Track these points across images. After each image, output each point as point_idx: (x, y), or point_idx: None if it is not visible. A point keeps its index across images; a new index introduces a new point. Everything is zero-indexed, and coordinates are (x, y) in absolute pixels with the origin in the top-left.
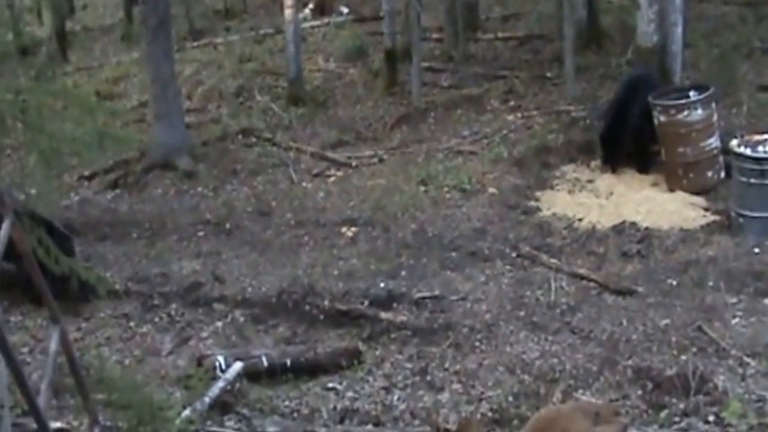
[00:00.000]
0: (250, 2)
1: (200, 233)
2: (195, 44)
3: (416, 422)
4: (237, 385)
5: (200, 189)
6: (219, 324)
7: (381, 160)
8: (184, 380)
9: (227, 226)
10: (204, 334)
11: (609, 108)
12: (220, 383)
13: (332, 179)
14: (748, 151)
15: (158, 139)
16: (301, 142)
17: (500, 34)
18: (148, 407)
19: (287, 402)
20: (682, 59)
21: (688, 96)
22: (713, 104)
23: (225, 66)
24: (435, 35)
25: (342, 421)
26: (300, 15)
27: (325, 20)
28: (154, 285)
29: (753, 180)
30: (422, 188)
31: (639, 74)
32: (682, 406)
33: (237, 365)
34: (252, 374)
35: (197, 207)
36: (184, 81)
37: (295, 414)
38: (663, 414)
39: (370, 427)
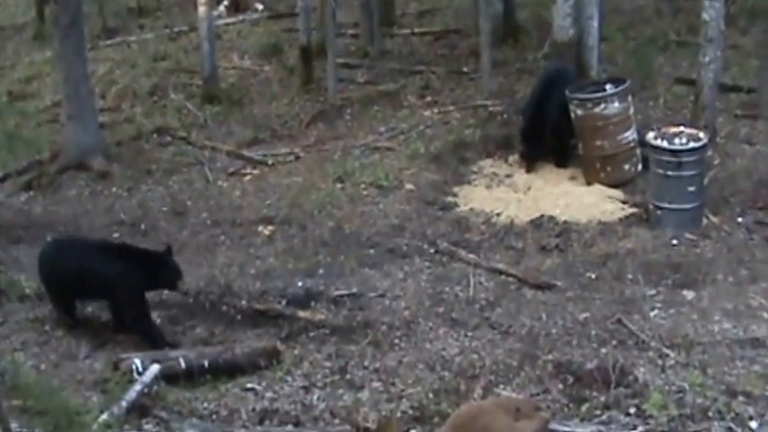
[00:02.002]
0: None
1: (116, 234)
2: (108, 43)
3: (336, 421)
4: (155, 388)
5: (114, 190)
6: None
7: (297, 158)
8: (101, 384)
9: (143, 227)
10: (121, 337)
11: (527, 103)
12: (137, 387)
13: (248, 178)
14: (665, 143)
15: (72, 139)
16: (217, 141)
17: (416, 29)
18: (65, 412)
19: (205, 404)
20: (598, 53)
21: (604, 90)
22: (630, 97)
23: (139, 64)
24: (351, 31)
25: (261, 422)
26: (215, 12)
27: (240, 17)
28: None
29: (670, 172)
30: (339, 185)
31: (556, 68)
32: (602, 399)
33: (154, 368)
34: (169, 377)
35: (112, 208)
36: (98, 80)
37: (214, 416)
38: (584, 408)
39: (289, 427)
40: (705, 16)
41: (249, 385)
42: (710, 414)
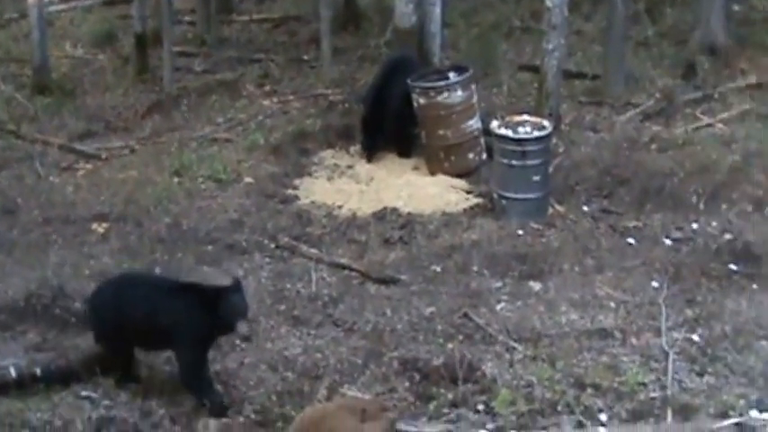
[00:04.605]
0: None
1: None
2: None
3: (177, 428)
4: None
5: None
6: None
7: (133, 151)
8: None
9: None
10: None
11: (369, 91)
12: None
13: (81, 172)
14: (509, 132)
15: None
16: (48, 134)
17: (255, 16)
18: None
19: (39, 414)
20: (441, 40)
21: (447, 78)
22: (473, 85)
23: None
24: (188, 18)
25: (98, 431)
26: None
27: (73, 3)
28: None
29: (514, 162)
30: (175, 179)
31: (399, 56)
32: (450, 396)
33: None
34: None
35: None
36: None
37: (48, 427)
38: (431, 405)
39: None
40: (548, 2)
41: (84, 393)
42: (560, 408)
